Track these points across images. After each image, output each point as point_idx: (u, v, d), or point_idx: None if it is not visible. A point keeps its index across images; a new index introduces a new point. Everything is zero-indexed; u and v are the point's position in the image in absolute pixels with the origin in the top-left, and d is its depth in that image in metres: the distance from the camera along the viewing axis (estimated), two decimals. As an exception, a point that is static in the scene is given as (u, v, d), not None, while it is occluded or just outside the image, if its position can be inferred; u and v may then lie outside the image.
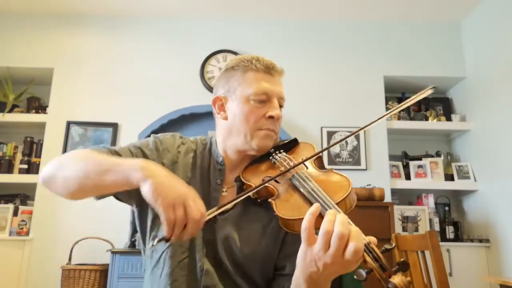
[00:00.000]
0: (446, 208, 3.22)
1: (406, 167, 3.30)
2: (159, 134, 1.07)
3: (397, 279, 0.61)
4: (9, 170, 3.15)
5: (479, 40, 3.21)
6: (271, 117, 0.96)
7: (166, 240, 0.74)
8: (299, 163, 0.88)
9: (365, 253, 0.64)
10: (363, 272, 0.62)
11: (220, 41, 3.37)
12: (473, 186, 3.12)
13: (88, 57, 3.35)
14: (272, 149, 1.00)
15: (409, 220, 3.05)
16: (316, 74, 3.34)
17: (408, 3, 3.22)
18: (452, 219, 3.17)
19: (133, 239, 2.78)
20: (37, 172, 3.10)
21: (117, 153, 0.95)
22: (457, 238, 3.07)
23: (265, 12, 3.39)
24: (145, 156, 0.98)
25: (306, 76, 3.32)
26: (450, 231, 3.05)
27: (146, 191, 0.75)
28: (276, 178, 0.88)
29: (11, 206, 3.01)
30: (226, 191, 1.00)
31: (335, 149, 3.18)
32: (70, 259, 2.71)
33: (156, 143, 1.02)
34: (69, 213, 2.98)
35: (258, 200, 0.91)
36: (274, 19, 3.45)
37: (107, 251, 2.64)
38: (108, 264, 2.59)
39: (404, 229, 3.03)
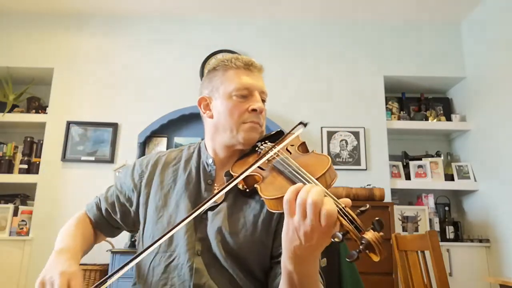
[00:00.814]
0: (446, 208, 3.22)
1: (406, 167, 3.30)
2: (136, 160, 1.16)
3: (369, 234, 0.63)
4: (9, 170, 3.16)
5: (479, 40, 3.21)
6: (254, 110, 1.00)
7: None
8: (277, 143, 0.92)
9: (340, 217, 0.67)
10: (339, 234, 0.64)
11: (220, 41, 3.37)
12: (473, 186, 3.12)
13: (88, 57, 3.35)
14: (259, 142, 1.04)
15: (409, 220, 3.05)
16: (316, 74, 3.34)
17: (408, 3, 3.22)
18: (452, 219, 3.17)
19: (133, 239, 2.78)
20: (37, 172, 3.10)
21: (107, 210, 1.13)
22: (457, 238, 3.07)
23: (265, 12, 3.39)
24: (125, 194, 1.11)
25: (306, 76, 3.32)
26: (450, 231, 3.05)
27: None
28: (262, 166, 0.91)
29: (11, 206, 3.01)
30: (217, 188, 1.03)
31: (335, 149, 3.18)
32: (70, 259, 2.71)
33: (132, 171, 1.12)
34: (69, 213, 2.96)
35: (247, 190, 0.94)
36: (274, 19, 3.45)
37: (107, 251, 2.64)
38: (108, 264, 2.59)
39: (404, 229, 3.03)
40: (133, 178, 1.10)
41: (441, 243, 2.34)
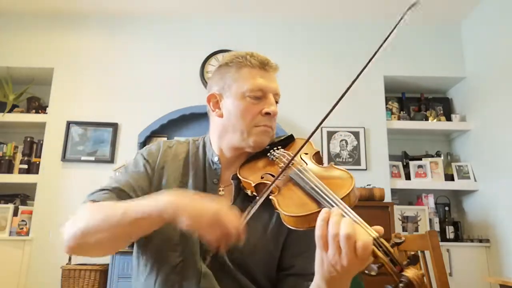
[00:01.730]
0: (446, 208, 3.22)
1: (406, 167, 3.30)
2: (143, 149, 1.06)
3: (410, 272, 0.60)
4: (9, 170, 3.15)
5: (479, 40, 3.21)
6: (267, 113, 0.96)
7: (216, 253, 0.83)
8: (296, 153, 0.87)
9: (375, 248, 0.64)
10: (374, 267, 0.62)
11: (220, 41, 3.37)
12: (473, 186, 3.12)
13: (88, 57, 3.35)
14: (268, 146, 0.99)
15: (409, 220, 3.05)
16: (316, 74, 3.34)
17: (408, 3, 3.21)
18: (452, 219, 3.17)
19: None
20: (37, 172, 3.10)
21: (122, 191, 0.93)
22: (457, 238, 3.07)
23: (265, 12, 3.39)
24: (144, 176, 0.98)
25: (306, 75, 3.32)
26: (450, 231, 3.05)
27: (184, 224, 0.77)
28: (275, 174, 0.87)
29: (11, 206, 3.01)
30: (222, 190, 0.99)
31: (335, 149, 3.18)
32: (70, 259, 2.72)
33: (143, 157, 1.02)
34: (69, 213, 2.96)
35: (257, 198, 0.90)
36: (274, 19, 3.45)
37: (107, 251, 2.64)
38: (108, 264, 2.59)
39: (404, 229, 3.03)
40: (144, 164, 1.01)
41: (441, 243, 2.33)
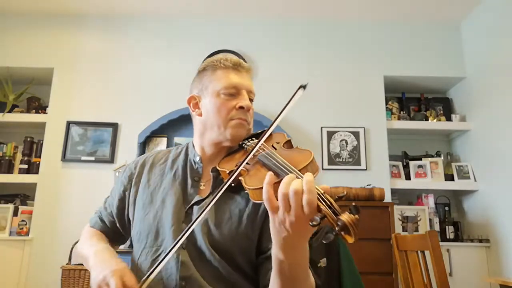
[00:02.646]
0: (446, 208, 3.22)
1: (406, 167, 3.30)
2: (128, 164, 1.21)
3: (345, 216, 0.65)
4: (9, 170, 3.16)
5: (479, 40, 3.21)
6: (241, 107, 1.03)
7: None
8: (263, 136, 0.94)
9: (319, 202, 0.69)
10: (317, 218, 0.66)
11: (220, 41, 3.37)
12: (473, 186, 3.12)
13: (88, 57, 3.35)
14: (245, 140, 1.07)
15: (409, 220, 3.05)
16: (316, 74, 3.33)
17: (408, 3, 3.22)
18: (452, 219, 3.17)
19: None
20: (37, 172, 3.10)
21: (105, 222, 1.15)
22: (457, 238, 3.07)
23: (265, 12, 3.39)
24: (118, 200, 1.13)
25: (306, 76, 3.32)
26: (450, 231, 3.05)
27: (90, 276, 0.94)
28: (248, 161, 0.93)
29: (11, 206, 3.01)
30: (204, 184, 1.06)
31: (335, 149, 3.18)
32: (70, 259, 2.71)
33: (123, 174, 1.15)
34: (69, 213, 2.98)
35: (233, 185, 0.95)
36: (274, 19, 3.45)
37: (107, 251, 2.64)
38: (108, 264, 2.58)
39: (404, 229, 3.03)
40: (122, 181, 1.14)
41: (441, 243, 2.34)
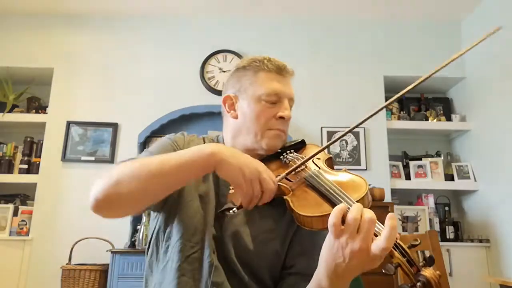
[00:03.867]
0: (446, 208, 3.22)
1: (406, 167, 3.30)
2: (168, 136, 1.05)
3: (428, 272, 0.61)
4: (9, 170, 3.15)
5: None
6: (281, 117, 0.98)
7: (239, 208, 0.82)
8: (312, 157, 0.89)
9: (392, 249, 0.64)
10: (392, 267, 0.62)
11: (220, 41, 3.37)
12: (473, 186, 3.12)
13: (88, 57, 3.35)
14: (280, 150, 1.01)
15: (409, 220, 3.05)
16: (316, 74, 3.33)
17: (408, 3, 3.22)
18: (452, 219, 3.17)
19: (133, 239, 2.78)
20: (37, 172, 3.10)
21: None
22: (457, 238, 3.07)
23: (265, 12, 3.39)
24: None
25: (306, 76, 3.32)
26: (450, 231, 3.05)
27: (224, 172, 0.81)
28: (290, 177, 0.88)
29: (11, 206, 3.01)
30: (232, 188, 0.99)
31: (335, 149, 3.18)
32: (70, 259, 2.71)
33: (172, 141, 1.01)
34: (69, 213, 2.98)
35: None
36: (274, 19, 3.45)
37: (107, 251, 2.64)
38: (108, 264, 2.59)
39: (404, 229, 3.03)
40: (172, 146, 1.00)
41: (441, 243, 2.34)
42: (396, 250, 0.64)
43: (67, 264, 2.68)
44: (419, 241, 0.66)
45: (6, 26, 3.38)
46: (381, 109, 0.90)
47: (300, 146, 1.04)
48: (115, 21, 3.43)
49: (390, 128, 3.24)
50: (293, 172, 0.88)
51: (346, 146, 3.18)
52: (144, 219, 2.78)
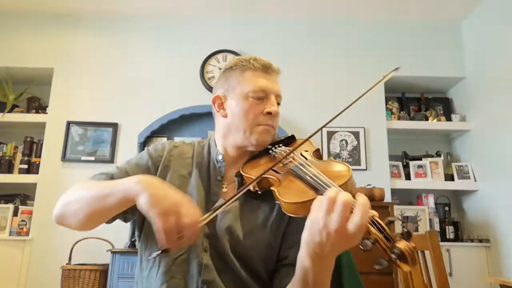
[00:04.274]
0: (446, 208, 3.22)
1: (406, 167, 3.30)
2: (150, 146, 1.11)
3: (402, 244, 0.62)
4: (9, 170, 3.16)
5: (479, 40, 3.21)
6: (269, 113, 1.00)
7: (165, 251, 0.75)
8: (297, 146, 0.91)
9: (369, 225, 0.66)
10: (368, 243, 0.64)
11: (220, 41, 3.37)
12: (473, 186, 3.12)
13: (88, 57, 3.35)
14: (271, 145, 1.04)
15: (409, 220, 3.05)
16: (316, 74, 3.34)
17: (408, 3, 3.22)
18: (452, 219, 3.17)
19: (133, 239, 2.78)
20: (37, 172, 3.10)
21: (114, 177, 0.99)
22: (457, 238, 3.07)
23: (264, 12, 3.39)
24: (143, 170, 1.02)
25: (306, 76, 3.32)
26: (450, 231, 3.05)
27: (142, 203, 0.77)
28: (277, 169, 0.90)
29: (11, 206, 3.01)
30: (226, 187, 1.03)
31: (335, 149, 3.18)
32: (70, 259, 2.71)
33: (149, 153, 1.07)
34: (69, 213, 2.97)
35: (259, 192, 0.93)
36: (274, 19, 3.45)
37: (107, 251, 2.64)
38: (108, 264, 2.59)
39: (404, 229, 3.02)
40: (150, 158, 1.05)
41: (441, 243, 2.34)
42: (373, 227, 0.66)
43: (67, 264, 2.68)
44: (396, 217, 0.69)
45: (6, 26, 3.38)
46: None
47: (289, 141, 1.07)
48: (115, 21, 3.43)
49: (390, 128, 3.24)
50: (280, 164, 0.91)
51: (346, 146, 3.18)
52: (144, 219, 2.77)
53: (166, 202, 0.75)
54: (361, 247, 0.64)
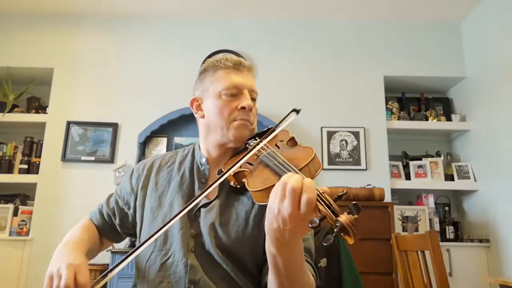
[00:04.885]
0: (446, 208, 3.22)
1: (406, 167, 3.30)
2: (134, 166, 1.20)
3: (343, 217, 0.64)
4: (9, 170, 3.15)
5: (479, 40, 3.21)
6: (243, 107, 1.02)
7: None
8: (265, 136, 0.94)
9: (317, 202, 0.68)
10: (316, 220, 0.65)
11: (220, 41, 3.37)
12: (473, 186, 3.12)
13: (88, 57, 3.35)
14: (250, 140, 1.06)
15: (409, 220, 3.05)
16: (316, 74, 3.33)
17: (408, 3, 3.22)
18: (452, 219, 3.17)
19: (133, 239, 2.78)
20: (37, 172, 3.10)
21: (103, 214, 1.15)
22: (457, 238, 3.07)
23: (265, 12, 3.39)
24: (123, 199, 1.13)
25: (306, 76, 3.32)
26: (450, 231, 3.05)
27: None
28: (251, 161, 0.93)
29: (11, 206, 3.01)
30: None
31: (335, 149, 3.18)
32: (70, 259, 2.71)
33: (130, 176, 1.15)
34: (69, 213, 2.97)
35: (238, 187, 0.95)
36: (274, 19, 3.45)
37: (107, 251, 2.64)
38: (108, 264, 2.59)
39: (404, 229, 3.03)
40: (131, 182, 1.13)
41: (441, 243, 2.34)
42: (321, 203, 0.68)
43: (67, 264, 2.68)
44: (344, 191, 0.71)
45: (6, 26, 3.38)
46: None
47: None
48: (115, 21, 3.43)
49: (390, 128, 3.24)
50: (255, 156, 0.93)
51: (346, 146, 3.18)
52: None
53: (53, 267, 0.88)
54: (310, 225, 0.65)
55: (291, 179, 0.69)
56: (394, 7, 3.28)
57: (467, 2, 3.17)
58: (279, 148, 0.97)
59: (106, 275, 0.81)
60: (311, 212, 0.67)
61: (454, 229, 3.08)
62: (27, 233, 2.96)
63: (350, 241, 0.64)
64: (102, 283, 0.81)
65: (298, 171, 0.78)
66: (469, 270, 2.85)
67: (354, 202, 0.66)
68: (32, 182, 3.07)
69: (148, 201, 1.07)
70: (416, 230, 3.02)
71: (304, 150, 0.90)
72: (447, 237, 3.04)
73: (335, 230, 0.64)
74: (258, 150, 0.93)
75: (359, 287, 1.49)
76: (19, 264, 2.88)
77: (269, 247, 0.77)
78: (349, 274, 1.48)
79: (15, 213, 3.00)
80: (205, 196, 1.01)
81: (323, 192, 0.70)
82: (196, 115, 1.11)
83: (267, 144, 0.95)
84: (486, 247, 2.91)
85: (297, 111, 0.96)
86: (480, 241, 2.94)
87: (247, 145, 1.05)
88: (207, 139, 1.08)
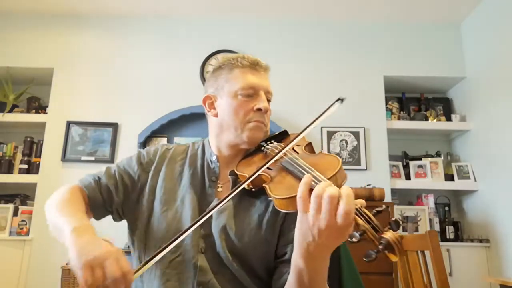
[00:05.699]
0: (446, 208, 3.22)
1: (406, 167, 3.30)
2: (143, 150, 1.12)
3: (389, 234, 0.63)
4: (9, 170, 3.15)
5: (479, 40, 3.21)
6: (259, 109, 1.00)
7: None
8: (289, 143, 0.91)
9: (356, 216, 0.66)
10: (356, 234, 0.64)
11: (220, 41, 3.37)
12: (473, 186, 3.11)
13: (88, 57, 3.35)
14: (264, 142, 1.04)
15: (409, 220, 3.05)
16: (316, 74, 3.33)
17: (408, 3, 3.22)
18: (452, 219, 3.17)
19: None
20: (37, 172, 3.10)
21: (101, 180, 1.03)
22: (457, 238, 3.07)
23: (265, 12, 3.39)
24: (130, 176, 1.05)
25: (306, 75, 3.32)
26: (450, 231, 3.05)
27: (70, 256, 0.77)
28: (269, 166, 0.90)
29: (11, 206, 3.01)
30: (221, 186, 1.03)
31: (335, 149, 3.18)
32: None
33: (139, 157, 1.08)
34: (69, 213, 2.97)
35: (253, 190, 0.93)
36: (274, 19, 3.45)
37: (107, 251, 2.64)
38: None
39: (404, 229, 3.03)
40: (140, 163, 1.07)
41: (441, 243, 2.34)
42: (360, 218, 0.66)
43: (67, 264, 2.68)
44: (383, 207, 0.69)
45: (6, 26, 3.38)
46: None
47: (282, 137, 1.07)
48: (115, 21, 3.43)
49: (390, 128, 3.24)
50: (273, 161, 0.90)
51: (346, 146, 3.18)
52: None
53: (90, 256, 0.73)
54: (349, 239, 0.64)
55: (328, 188, 0.66)
56: (394, 7, 3.27)
57: (467, 2, 3.17)
58: (298, 153, 0.94)
59: (148, 261, 0.77)
60: (350, 224, 0.65)
61: (454, 229, 3.08)
62: (27, 233, 2.96)
63: (395, 258, 0.63)
64: (144, 269, 0.77)
65: (326, 180, 0.74)
66: (469, 270, 2.85)
67: (394, 219, 0.64)
68: (32, 182, 3.07)
69: (158, 191, 1.02)
70: (416, 230, 3.02)
71: (329, 158, 0.86)
72: (447, 237, 3.04)
73: (379, 247, 0.62)
74: (277, 155, 0.90)
75: (359, 287, 1.49)
76: (19, 264, 2.88)
77: (297, 260, 0.75)
78: (349, 274, 1.48)
79: (15, 213, 3.00)
80: (216, 196, 1.00)
81: (361, 206, 0.67)
82: (208, 113, 1.08)
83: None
84: (486, 247, 2.91)
85: (342, 100, 0.90)
86: (480, 241, 2.93)
87: (262, 148, 1.02)
88: (219, 137, 1.05)
